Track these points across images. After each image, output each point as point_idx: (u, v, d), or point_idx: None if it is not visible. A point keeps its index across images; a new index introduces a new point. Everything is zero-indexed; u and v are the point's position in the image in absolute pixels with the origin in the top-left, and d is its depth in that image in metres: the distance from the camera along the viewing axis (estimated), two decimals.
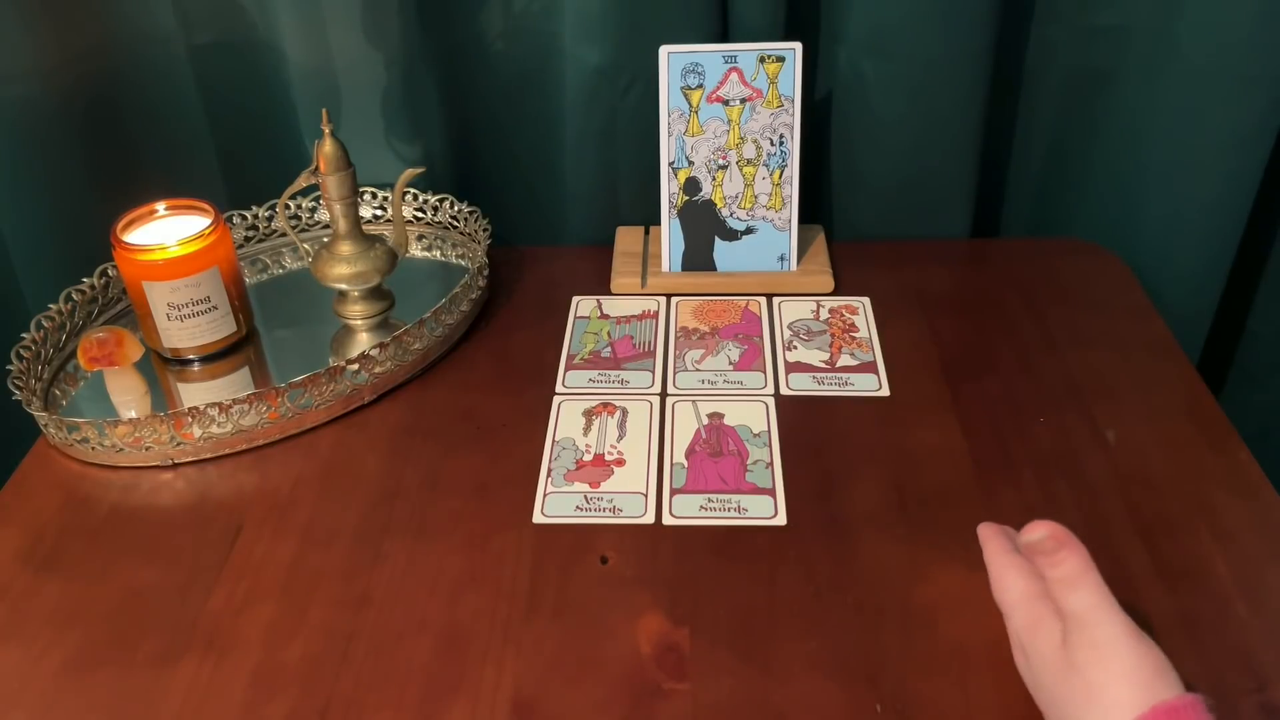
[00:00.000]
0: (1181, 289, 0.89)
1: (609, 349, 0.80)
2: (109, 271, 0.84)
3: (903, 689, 0.54)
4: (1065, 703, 0.47)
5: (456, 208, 0.90)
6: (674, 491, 0.67)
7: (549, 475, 0.69)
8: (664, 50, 0.80)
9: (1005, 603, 0.53)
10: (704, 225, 0.85)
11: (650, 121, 0.83)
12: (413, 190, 0.92)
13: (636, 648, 0.57)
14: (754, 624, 0.58)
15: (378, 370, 0.75)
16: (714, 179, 0.84)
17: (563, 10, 0.84)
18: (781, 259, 0.86)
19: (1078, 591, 0.48)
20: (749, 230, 0.85)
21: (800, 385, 0.76)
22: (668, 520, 0.65)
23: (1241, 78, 0.80)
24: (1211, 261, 0.89)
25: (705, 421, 0.73)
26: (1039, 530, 0.51)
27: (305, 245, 0.86)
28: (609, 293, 0.86)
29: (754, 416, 0.73)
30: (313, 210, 0.93)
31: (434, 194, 0.92)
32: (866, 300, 0.84)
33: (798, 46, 0.80)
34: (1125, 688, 0.45)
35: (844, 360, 0.78)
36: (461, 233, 0.91)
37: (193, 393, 0.79)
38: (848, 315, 0.83)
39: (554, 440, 0.72)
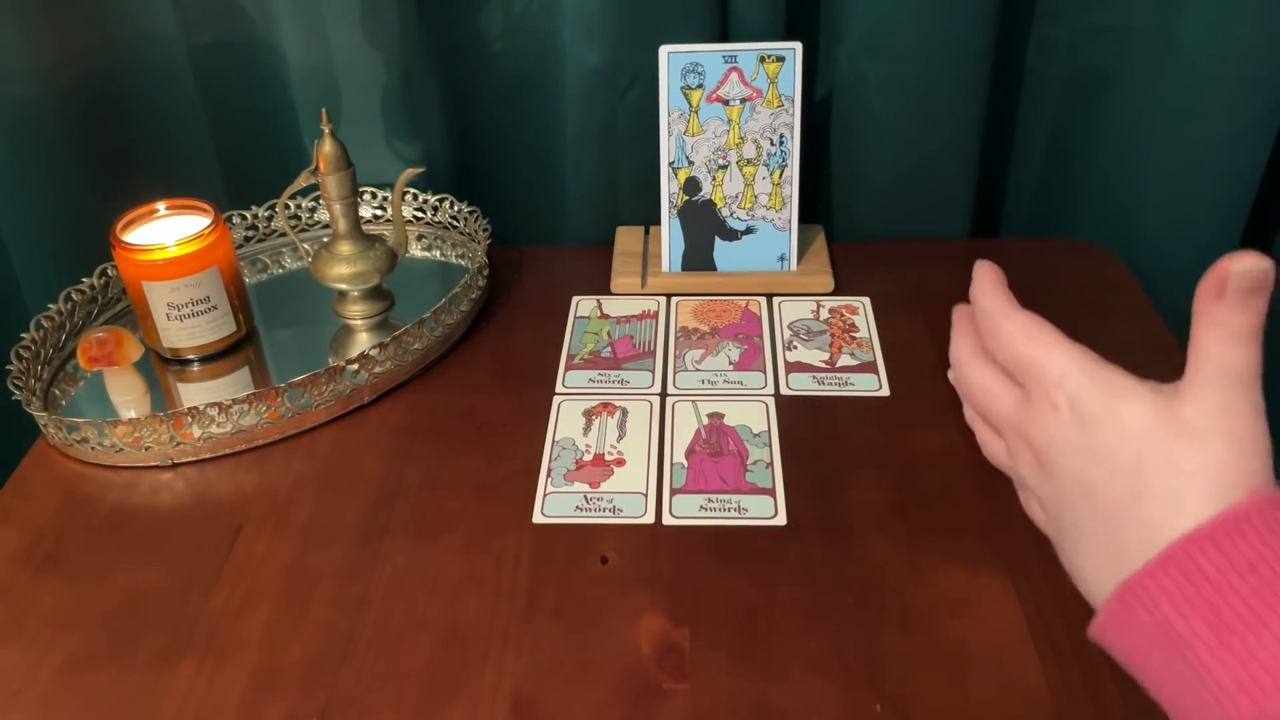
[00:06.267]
0: (1181, 289, 0.88)
1: (609, 349, 0.80)
2: (109, 271, 0.84)
3: (903, 689, 0.54)
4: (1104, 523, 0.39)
5: (456, 208, 0.90)
6: (674, 491, 0.67)
7: (549, 475, 0.69)
8: (664, 50, 0.80)
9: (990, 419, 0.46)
10: (704, 225, 0.85)
11: (650, 121, 0.83)
12: (413, 190, 0.92)
13: (636, 648, 0.57)
14: (754, 624, 0.58)
15: (377, 370, 0.75)
16: (714, 179, 0.84)
17: (562, 10, 0.84)
18: (781, 259, 0.86)
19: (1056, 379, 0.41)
20: (749, 230, 0.85)
21: (800, 385, 0.76)
22: (668, 520, 0.65)
23: (1242, 78, 0.80)
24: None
25: (705, 421, 0.73)
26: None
27: (305, 245, 0.86)
28: (609, 293, 0.86)
29: (754, 416, 0.73)
30: (313, 210, 0.93)
31: (434, 194, 0.91)
32: (867, 300, 0.84)
33: (798, 46, 0.80)
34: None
35: (844, 360, 0.78)
36: (461, 233, 0.91)
37: (192, 393, 0.79)
38: (848, 315, 0.83)
39: (554, 440, 0.72)
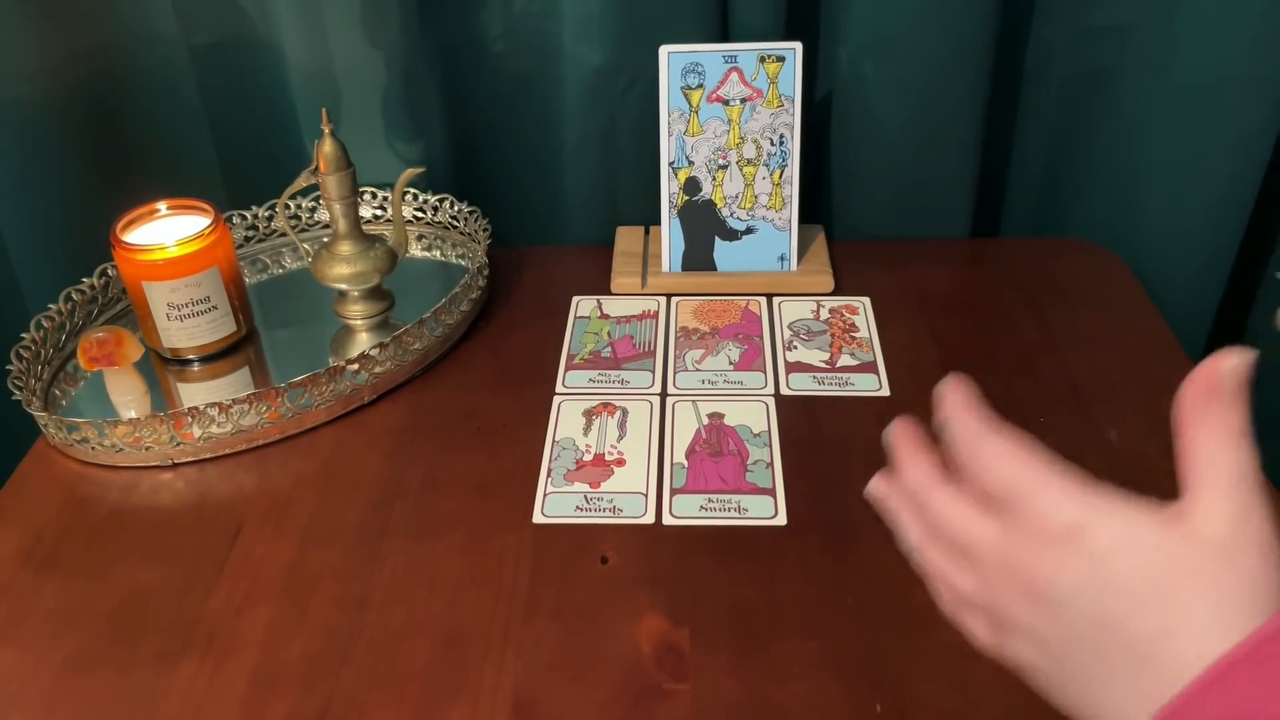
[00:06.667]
0: (1181, 289, 0.89)
1: (609, 349, 0.80)
2: (109, 271, 0.84)
3: (903, 689, 0.54)
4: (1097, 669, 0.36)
5: (456, 208, 0.90)
6: (674, 491, 0.67)
7: (549, 475, 0.69)
8: (664, 50, 0.80)
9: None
10: (704, 225, 0.85)
11: (650, 122, 0.83)
12: (413, 190, 0.92)
13: (636, 648, 0.57)
14: (754, 624, 0.58)
15: (378, 370, 0.75)
16: (714, 179, 0.84)
17: (562, 11, 0.84)
18: (781, 259, 0.86)
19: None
20: (749, 230, 0.85)
21: (800, 385, 0.76)
22: (668, 520, 0.65)
23: (1241, 78, 0.80)
24: (1211, 261, 0.89)
25: (705, 421, 0.73)
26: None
27: (305, 245, 0.86)
28: (609, 293, 0.86)
29: (754, 416, 0.73)
30: (313, 210, 0.93)
31: (434, 194, 0.91)
32: (866, 300, 0.84)
33: (798, 46, 0.80)
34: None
35: (844, 360, 0.78)
36: (461, 233, 0.91)
37: (193, 393, 0.79)
38: (848, 315, 0.83)
39: (554, 440, 0.72)
